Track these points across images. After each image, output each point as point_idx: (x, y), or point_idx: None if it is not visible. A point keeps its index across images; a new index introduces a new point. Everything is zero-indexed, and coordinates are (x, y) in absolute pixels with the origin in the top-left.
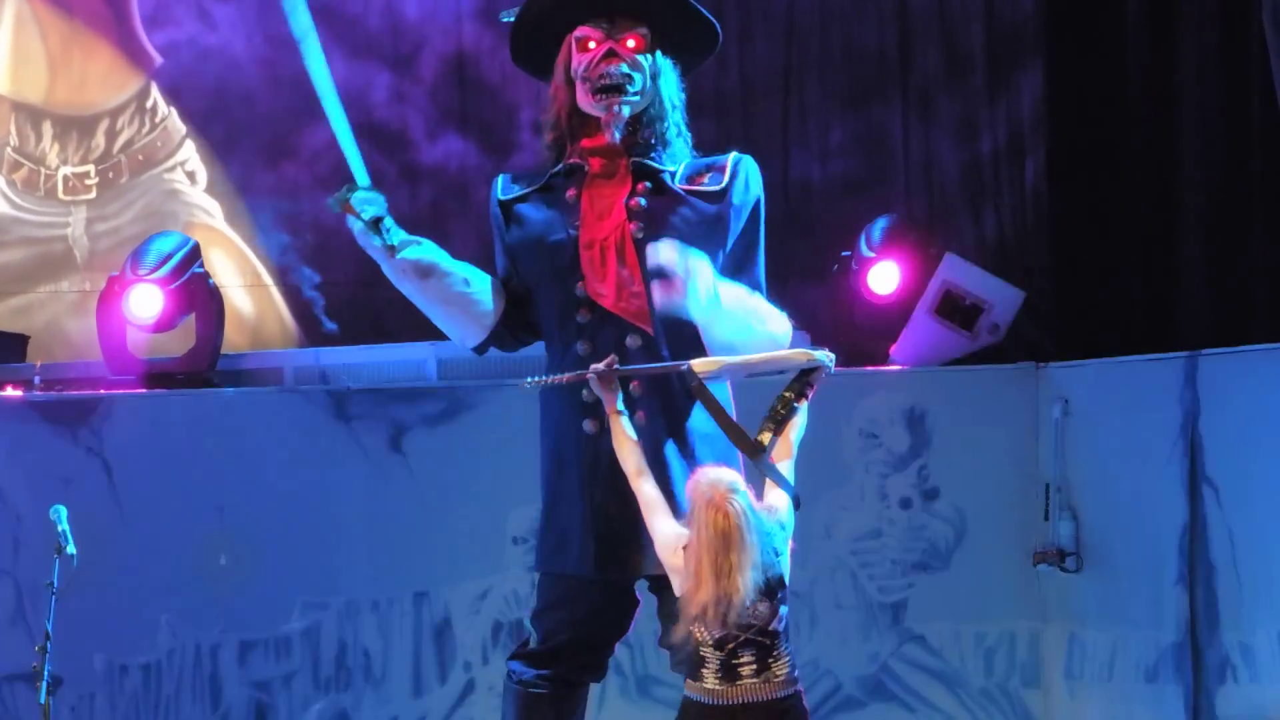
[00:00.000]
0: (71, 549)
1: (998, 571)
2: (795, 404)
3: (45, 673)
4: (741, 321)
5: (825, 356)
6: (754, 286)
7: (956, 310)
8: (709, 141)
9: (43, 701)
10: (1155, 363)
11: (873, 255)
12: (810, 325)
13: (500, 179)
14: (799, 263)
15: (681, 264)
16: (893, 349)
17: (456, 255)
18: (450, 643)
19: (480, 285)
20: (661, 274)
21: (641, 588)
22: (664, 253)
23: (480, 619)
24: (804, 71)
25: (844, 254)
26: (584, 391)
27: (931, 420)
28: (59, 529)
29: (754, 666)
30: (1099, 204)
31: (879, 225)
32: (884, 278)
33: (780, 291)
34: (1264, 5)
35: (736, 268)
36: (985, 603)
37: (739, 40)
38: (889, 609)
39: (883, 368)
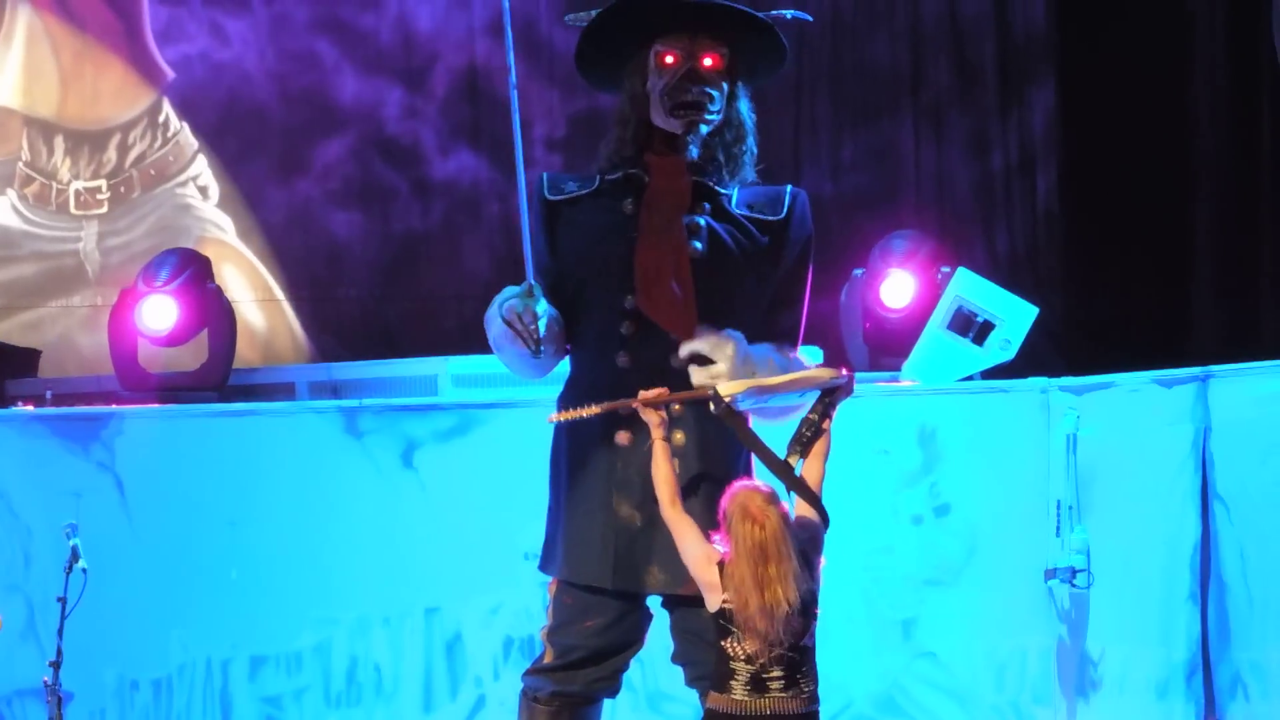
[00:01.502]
0: (83, 564)
1: (1009, 588)
2: (820, 425)
3: (57, 688)
4: (768, 365)
5: (844, 375)
6: (794, 323)
7: (968, 326)
8: None
9: (53, 717)
10: (1167, 379)
11: (885, 271)
12: (822, 340)
13: (545, 176)
14: (811, 278)
15: (719, 352)
16: (904, 364)
17: (467, 269)
18: (461, 658)
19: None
20: (698, 360)
21: (654, 602)
22: (699, 343)
23: (492, 634)
24: (815, 86)
25: (856, 269)
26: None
27: (943, 436)
28: (70, 544)
29: (783, 681)
30: (1111, 220)
31: (891, 240)
32: (896, 293)
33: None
34: (1274, 23)
35: (780, 302)
36: (996, 619)
37: None
38: (900, 625)
39: (894, 383)
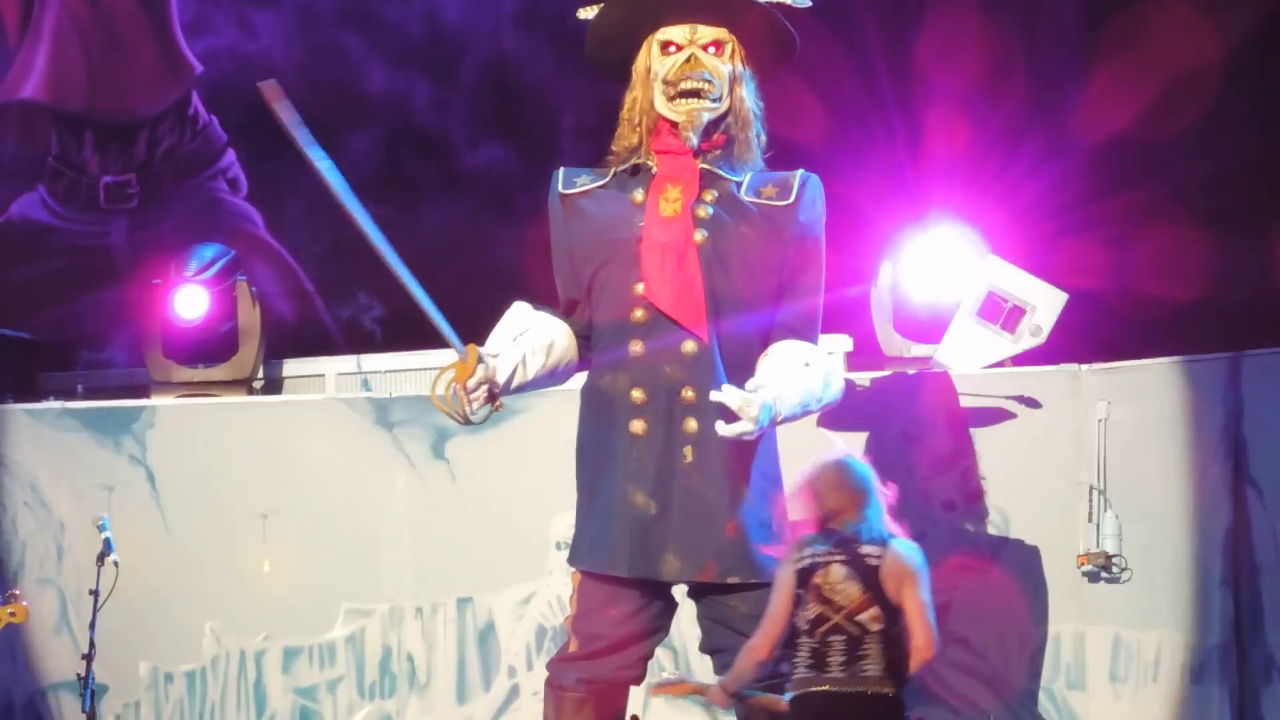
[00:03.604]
0: (115, 557)
1: (1041, 574)
2: None
3: (90, 681)
4: (803, 408)
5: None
6: (812, 311)
7: (999, 312)
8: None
9: (87, 709)
10: (1198, 364)
11: (911, 258)
12: (853, 329)
13: (561, 172)
14: (841, 266)
15: (744, 405)
16: (935, 352)
17: (497, 260)
18: (494, 648)
19: (558, 344)
20: (727, 413)
21: (680, 592)
22: (727, 395)
23: (524, 624)
24: (846, 73)
25: (886, 256)
26: (634, 392)
27: (974, 423)
28: (102, 537)
29: (843, 659)
30: (1140, 204)
31: (918, 227)
32: (923, 280)
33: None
34: None
35: (795, 289)
36: (1029, 605)
37: None
38: (932, 611)
39: (925, 371)
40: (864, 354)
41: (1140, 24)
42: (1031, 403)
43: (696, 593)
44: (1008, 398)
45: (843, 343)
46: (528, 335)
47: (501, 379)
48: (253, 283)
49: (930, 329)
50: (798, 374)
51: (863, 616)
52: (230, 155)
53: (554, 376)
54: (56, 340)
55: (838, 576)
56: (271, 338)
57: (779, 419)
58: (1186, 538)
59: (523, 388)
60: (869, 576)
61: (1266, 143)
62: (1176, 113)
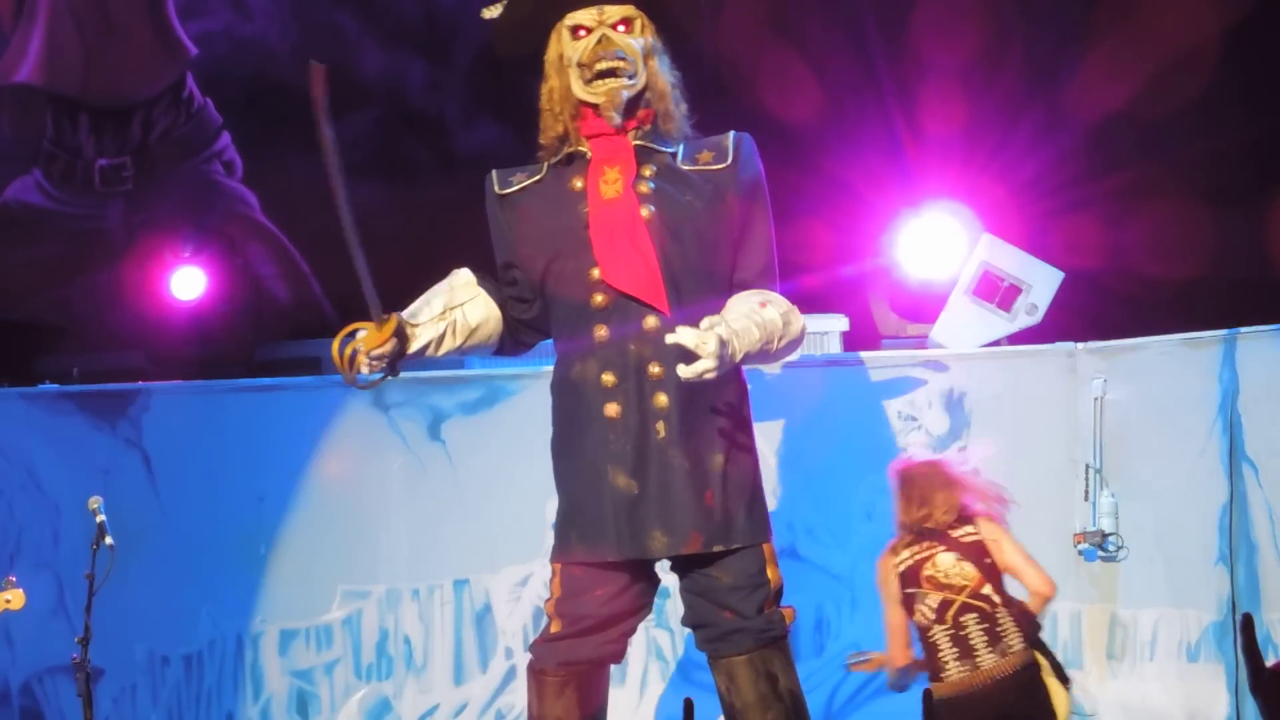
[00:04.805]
0: (110, 540)
1: (1038, 552)
2: None
3: (86, 664)
4: (762, 348)
5: None
6: (765, 262)
7: (995, 291)
8: (747, 124)
9: (82, 693)
10: (1194, 341)
11: (909, 237)
12: (849, 308)
13: (494, 174)
14: (837, 245)
15: (699, 342)
16: (931, 331)
17: (492, 241)
18: (491, 629)
19: (483, 330)
20: (684, 354)
21: (663, 567)
22: (682, 334)
23: (521, 605)
24: (842, 52)
25: (882, 236)
26: (604, 376)
27: (970, 402)
28: (98, 520)
29: (985, 637)
30: (1137, 182)
31: (917, 207)
32: (919, 260)
33: (819, 275)
34: None
35: (745, 244)
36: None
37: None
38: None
39: (921, 350)
40: (860, 334)
41: (1136, 1)
42: (1027, 382)
43: (680, 567)
44: (1003, 377)
45: (839, 322)
46: (460, 311)
47: (411, 349)
48: (249, 266)
49: (926, 308)
50: (754, 310)
51: (986, 589)
52: (225, 138)
53: (461, 354)
54: (52, 324)
55: (948, 562)
56: (267, 320)
57: (738, 355)
58: (1183, 516)
59: (422, 361)
60: (976, 553)
61: (1262, 120)
62: (1173, 90)
